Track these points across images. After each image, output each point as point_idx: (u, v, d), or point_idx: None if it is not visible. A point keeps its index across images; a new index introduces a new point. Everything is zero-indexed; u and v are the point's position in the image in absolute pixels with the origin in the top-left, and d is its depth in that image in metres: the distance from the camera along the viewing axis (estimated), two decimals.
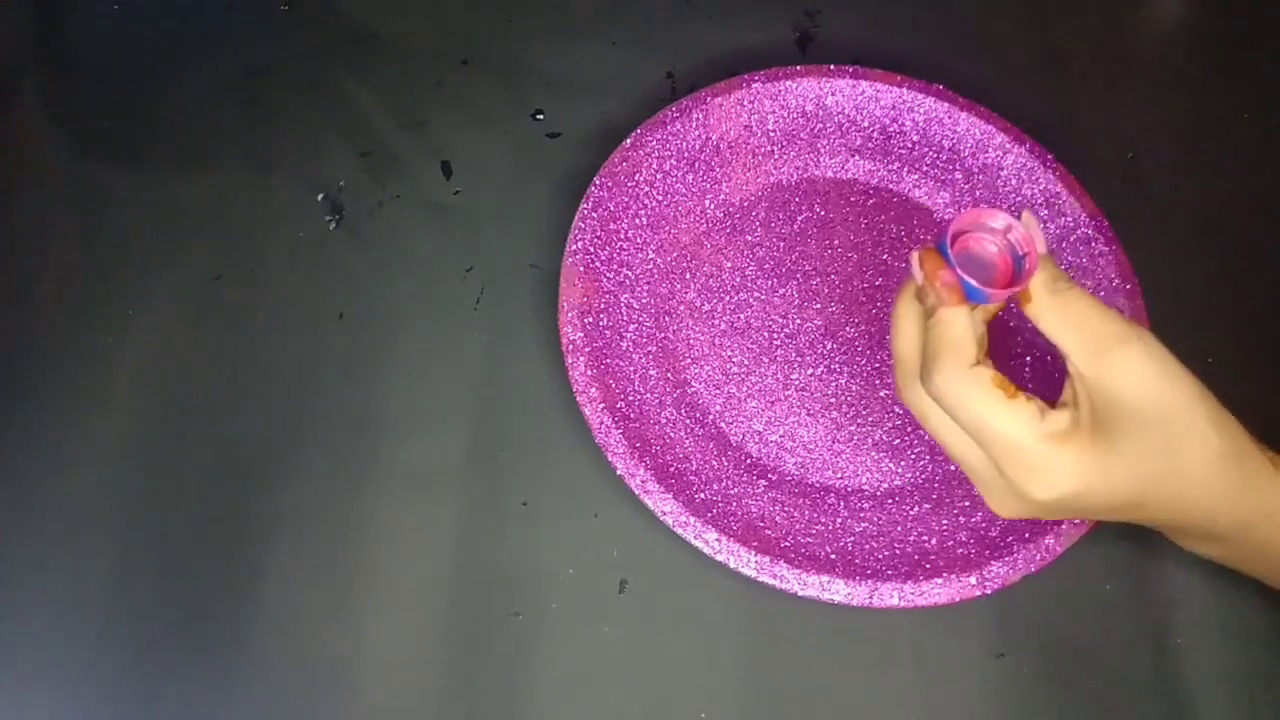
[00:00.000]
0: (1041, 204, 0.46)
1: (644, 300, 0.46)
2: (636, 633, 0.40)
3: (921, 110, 0.48)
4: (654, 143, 0.47)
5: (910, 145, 0.48)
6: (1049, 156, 0.46)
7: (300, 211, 0.49)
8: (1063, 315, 0.32)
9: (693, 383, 0.45)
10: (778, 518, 0.41)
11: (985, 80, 0.50)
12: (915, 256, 0.34)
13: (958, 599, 0.38)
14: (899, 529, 0.41)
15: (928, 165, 0.49)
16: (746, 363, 0.45)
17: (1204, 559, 0.37)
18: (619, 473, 0.40)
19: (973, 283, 0.32)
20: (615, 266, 0.46)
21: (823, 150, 0.49)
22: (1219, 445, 0.31)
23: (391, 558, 0.42)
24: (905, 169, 0.49)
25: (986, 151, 0.47)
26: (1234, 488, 0.32)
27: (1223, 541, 0.35)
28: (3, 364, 0.45)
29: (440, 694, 0.40)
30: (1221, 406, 0.32)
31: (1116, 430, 0.31)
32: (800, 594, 0.38)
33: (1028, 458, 0.31)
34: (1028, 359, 0.45)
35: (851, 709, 0.39)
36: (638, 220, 0.47)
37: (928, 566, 0.39)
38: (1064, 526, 0.39)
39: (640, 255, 0.47)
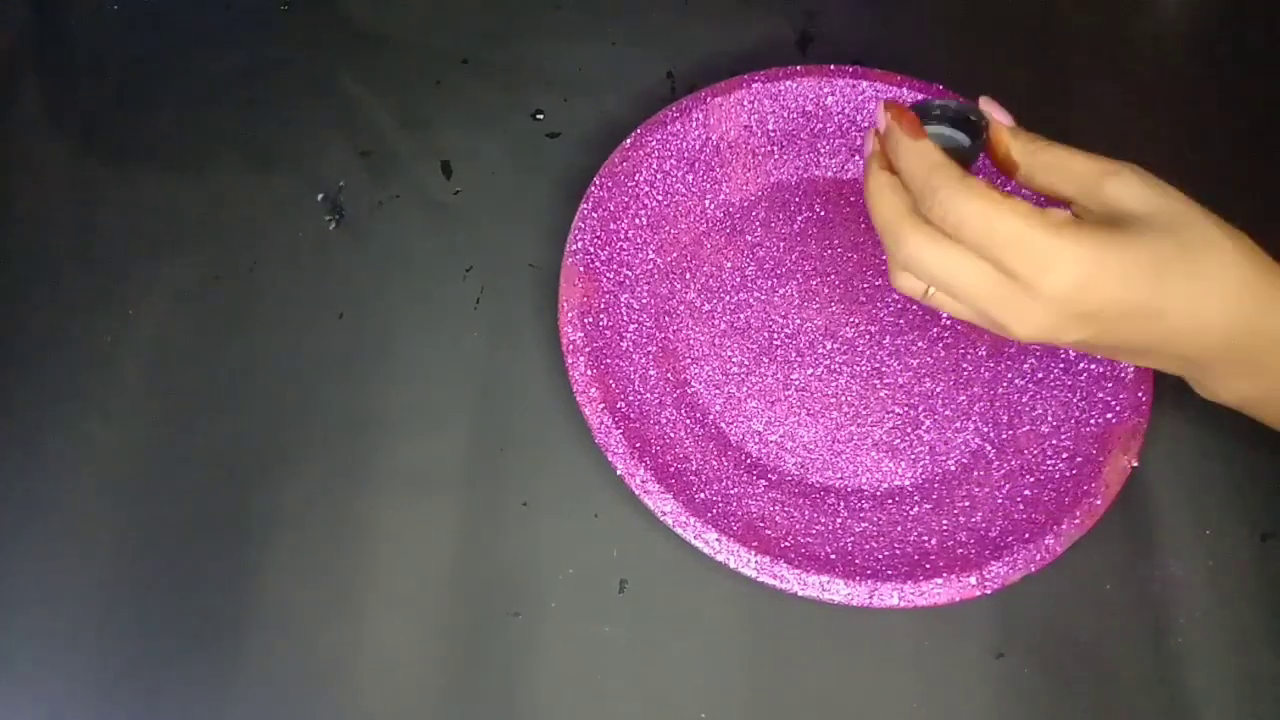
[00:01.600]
0: (1042, 203, 0.46)
1: (644, 300, 0.46)
2: (636, 633, 0.40)
3: None
4: (654, 143, 0.47)
5: None
6: None
7: (300, 211, 0.49)
8: (1050, 168, 0.34)
9: (693, 383, 0.45)
10: (778, 518, 0.41)
11: (985, 80, 0.50)
12: (882, 107, 0.35)
13: (958, 599, 0.38)
14: (899, 529, 0.41)
15: None
16: (746, 363, 0.45)
17: (1231, 408, 0.37)
18: (619, 473, 0.40)
19: (948, 131, 0.35)
20: (615, 266, 0.46)
21: (823, 150, 0.49)
22: (1234, 250, 0.32)
23: (391, 558, 0.42)
24: None
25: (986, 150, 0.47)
26: (1258, 300, 0.32)
27: (1249, 372, 0.34)
28: (3, 363, 0.45)
29: (440, 694, 0.40)
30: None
31: (1131, 232, 0.31)
32: (800, 594, 0.38)
33: (1035, 247, 0.31)
34: (1027, 361, 0.45)
35: (851, 709, 0.39)
36: (637, 220, 0.47)
37: (927, 566, 0.39)
38: (1064, 526, 0.39)
39: (640, 255, 0.47)
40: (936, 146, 0.33)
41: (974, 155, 0.35)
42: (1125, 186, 0.32)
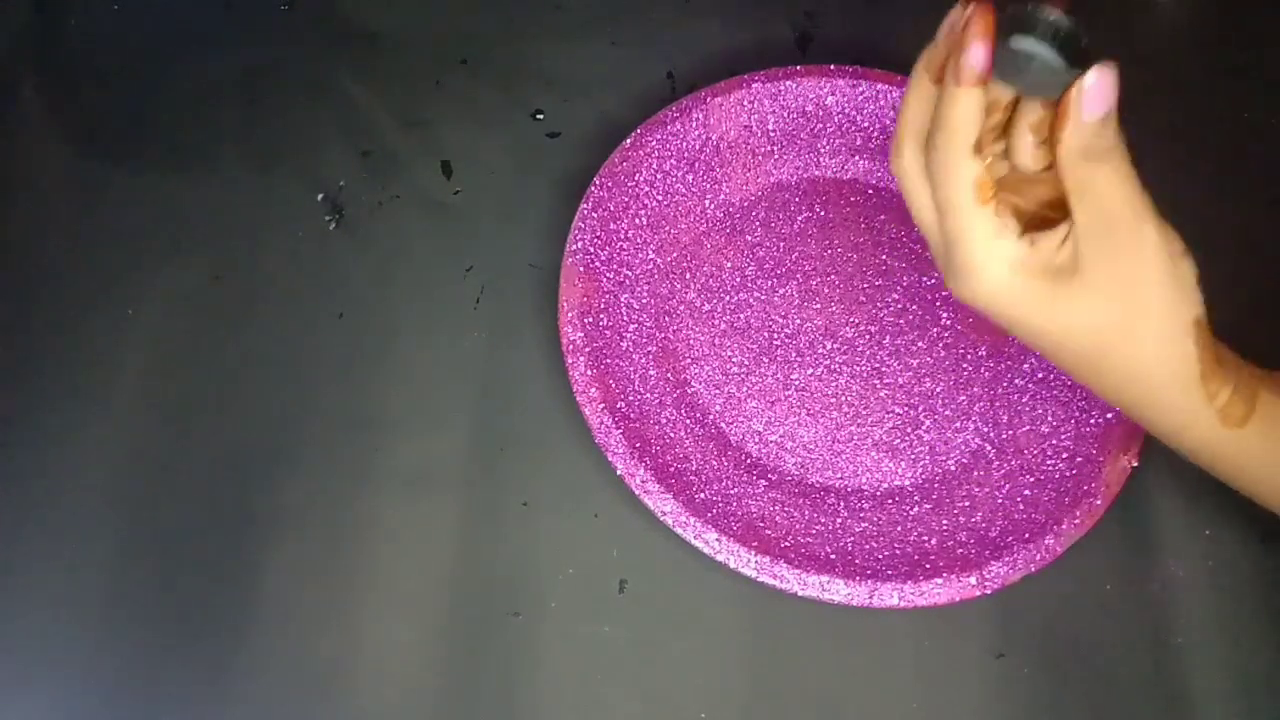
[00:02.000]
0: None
1: (644, 300, 0.46)
2: (636, 633, 0.40)
3: None
4: (654, 143, 0.47)
5: None
6: None
7: (300, 211, 0.49)
8: (1082, 186, 0.30)
9: (693, 383, 0.45)
10: (778, 518, 0.41)
11: None
12: (974, 9, 0.30)
13: (958, 599, 0.38)
14: (899, 529, 0.41)
15: None
16: (746, 363, 0.45)
17: None
18: (619, 473, 0.40)
19: (1044, 53, 0.28)
20: (615, 266, 0.46)
21: (823, 150, 0.49)
22: (1165, 361, 0.31)
23: (391, 558, 0.42)
24: None
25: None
26: (1167, 401, 0.32)
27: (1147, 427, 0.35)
28: (3, 364, 0.45)
29: (440, 694, 0.40)
30: (1196, 323, 0.31)
31: (1067, 290, 0.31)
32: (800, 594, 0.38)
33: (972, 260, 0.31)
34: (1027, 362, 0.45)
35: (851, 709, 0.39)
36: (638, 220, 0.47)
37: (927, 566, 0.39)
38: (1064, 526, 0.39)
39: (640, 255, 0.47)
40: (970, 98, 0.29)
41: (1057, 90, 0.29)
42: (1115, 256, 0.30)
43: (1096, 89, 0.29)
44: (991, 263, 0.31)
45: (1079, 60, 0.28)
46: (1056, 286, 0.31)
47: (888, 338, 0.46)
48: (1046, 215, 0.32)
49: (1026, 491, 0.41)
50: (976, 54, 0.29)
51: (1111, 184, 0.30)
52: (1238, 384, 0.32)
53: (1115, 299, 0.31)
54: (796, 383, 0.45)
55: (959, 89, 0.30)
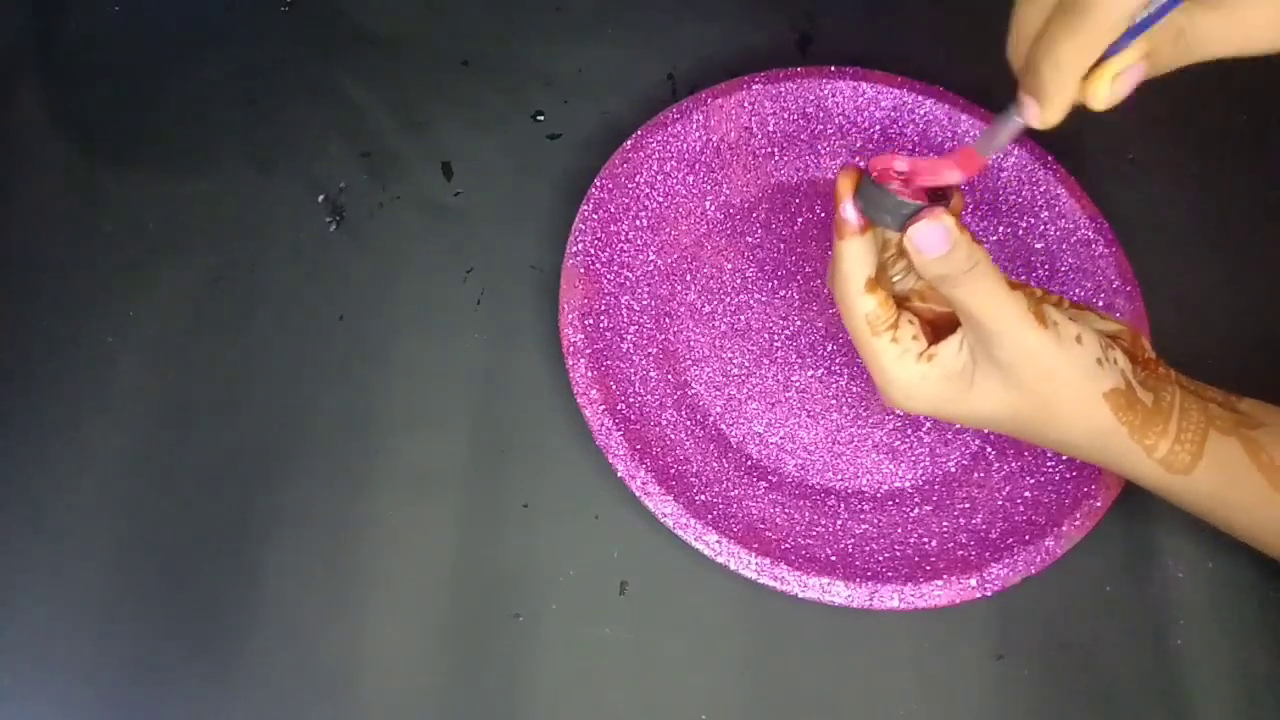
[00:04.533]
0: (1042, 206, 0.46)
1: (645, 302, 0.46)
2: (637, 634, 0.40)
3: (921, 112, 0.48)
4: (654, 144, 0.46)
5: (910, 147, 0.48)
6: (1049, 158, 0.46)
7: (300, 212, 0.49)
8: (953, 303, 0.32)
9: (693, 384, 0.45)
10: (778, 520, 0.41)
11: (985, 82, 0.50)
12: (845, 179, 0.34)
13: (958, 601, 0.38)
14: (899, 531, 0.41)
15: None
16: (747, 364, 0.45)
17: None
18: (619, 474, 0.40)
19: (899, 195, 0.32)
20: (616, 268, 0.46)
21: (823, 152, 0.49)
22: (1092, 429, 0.33)
23: (391, 558, 0.42)
24: None
25: None
26: (1106, 457, 0.34)
27: None
28: (3, 364, 0.45)
29: (440, 694, 0.40)
30: (1109, 395, 0.32)
31: (981, 382, 0.33)
32: (800, 596, 0.38)
33: (882, 379, 0.34)
34: None
35: (851, 711, 0.39)
36: (638, 222, 0.47)
37: (928, 568, 0.39)
38: (1064, 528, 0.39)
39: (641, 257, 0.47)
40: (849, 247, 0.33)
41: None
42: (1003, 354, 0.32)
43: (922, 237, 0.31)
44: (899, 380, 0.34)
45: (939, 198, 0.32)
46: (961, 385, 0.33)
47: None
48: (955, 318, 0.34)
49: (1027, 493, 0.42)
50: (844, 209, 0.33)
51: (973, 303, 0.31)
52: (1180, 432, 0.33)
53: (1017, 389, 0.33)
54: (797, 384, 0.45)
55: (840, 241, 0.33)
